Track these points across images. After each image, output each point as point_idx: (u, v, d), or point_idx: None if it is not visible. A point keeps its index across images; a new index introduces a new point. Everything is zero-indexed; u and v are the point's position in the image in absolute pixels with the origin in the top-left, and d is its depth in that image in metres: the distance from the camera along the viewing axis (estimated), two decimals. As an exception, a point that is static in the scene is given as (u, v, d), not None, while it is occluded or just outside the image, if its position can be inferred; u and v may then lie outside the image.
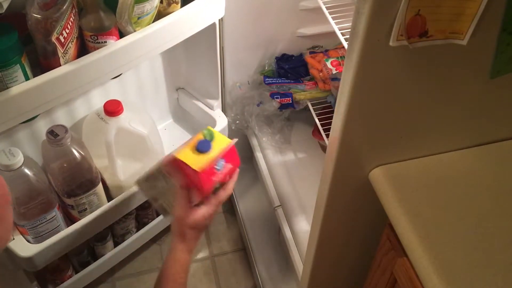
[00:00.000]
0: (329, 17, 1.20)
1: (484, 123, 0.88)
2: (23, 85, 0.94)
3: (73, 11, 0.95)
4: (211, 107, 1.49)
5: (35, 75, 0.97)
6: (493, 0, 0.66)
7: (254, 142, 1.63)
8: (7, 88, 0.93)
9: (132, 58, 1.09)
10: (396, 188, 0.84)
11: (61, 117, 1.22)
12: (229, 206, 1.86)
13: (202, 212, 0.98)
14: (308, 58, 1.49)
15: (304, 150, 1.58)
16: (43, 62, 0.98)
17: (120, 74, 1.15)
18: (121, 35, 1.06)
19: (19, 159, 1.03)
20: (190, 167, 0.94)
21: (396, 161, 0.88)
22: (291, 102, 1.48)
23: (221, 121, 1.48)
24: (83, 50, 1.03)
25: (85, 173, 1.18)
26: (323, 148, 1.53)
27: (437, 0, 0.65)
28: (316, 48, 1.55)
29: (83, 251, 1.44)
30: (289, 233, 1.41)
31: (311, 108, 1.45)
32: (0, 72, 0.90)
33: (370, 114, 0.79)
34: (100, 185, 1.24)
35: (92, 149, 1.20)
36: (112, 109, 1.17)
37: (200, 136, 1.00)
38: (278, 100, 1.48)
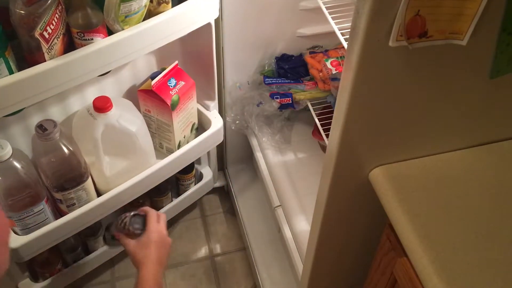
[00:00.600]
0: (329, 17, 1.20)
1: (484, 123, 0.88)
2: (5, 79, 0.95)
3: (59, 7, 0.95)
4: (207, 108, 1.49)
5: (21, 70, 0.98)
6: (493, 0, 0.66)
7: (254, 142, 1.63)
8: (-10, 82, 0.94)
9: (119, 56, 1.09)
10: (396, 188, 0.84)
11: (56, 113, 1.22)
12: (229, 206, 1.86)
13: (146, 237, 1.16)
14: (308, 58, 1.49)
15: (304, 150, 1.58)
16: (28, 57, 0.99)
17: (109, 72, 1.16)
18: (110, 33, 1.07)
19: (7, 151, 1.05)
20: (147, 89, 1.29)
21: (396, 161, 0.88)
22: (291, 102, 1.48)
23: (216, 122, 1.48)
24: (71, 47, 1.04)
25: (73, 168, 1.19)
26: (323, 148, 1.53)
27: (437, 0, 0.65)
28: (316, 48, 1.55)
29: (77, 248, 1.44)
30: (289, 233, 1.41)
31: (311, 108, 1.45)
32: (-18, 66, 0.91)
33: (370, 114, 0.79)
34: (89, 181, 1.25)
35: (81, 144, 1.21)
36: (101, 105, 1.17)
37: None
38: (278, 100, 1.48)
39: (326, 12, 1.21)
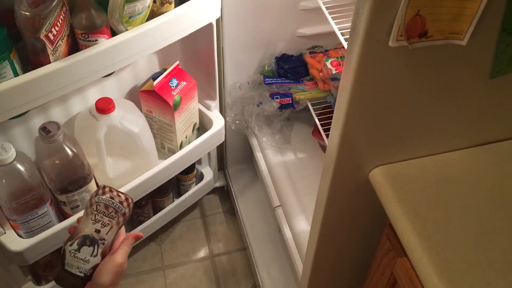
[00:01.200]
0: (329, 17, 1.20)
1: (484, 123, 0.88)
2: (11, 82, 0.95)
3: (64, 9, 0.95)
4: (208, 108, 1.49)
5: (25, 72, 0.97)
6: (493, 0, 0.66)
7: (254, 142, 1.63)
8: (-5, 84, 0.93)
9: (123, 57, 1.09)
10: (396, 188, 0.84)
11: (57, 114, 1.22)
12: (229, 206, 1.86)
13: (114, 260, 0.82)
14: (308, 58, 1.49)
15: (304, 150, 1.58)
16: (33, 59, 0.99)
17: (112, 73, 1.15)
18: (114, 34, 1.07)
19: (11, 154, 1.04)
20: (149, 90, 1.29)
21: (396, 161, 0.88)
22: (291, 102, 1.48)
23: (218, 121, 1.48)
24: (75, 48, 1.04)
25: (77, 170, 1.19)
26: (323, 148, 1.54)
27: (437, 0, 0.65)
28: (316, 48, 1.55)
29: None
30: (289, 233, 1.41)
31: (311, 108, 1.45)
32: (-12, 68, 0.91)
33: (370, 114, 0.79)
34: (93, 182, 1.24)
35: (83, 146, 1.21)
36: (103, 106, 1.17)
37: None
38: (278, 100, 1.48)
39: (326, 12, 1.21)
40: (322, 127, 1.39)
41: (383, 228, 0.91)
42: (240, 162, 1.84)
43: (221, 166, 1.85)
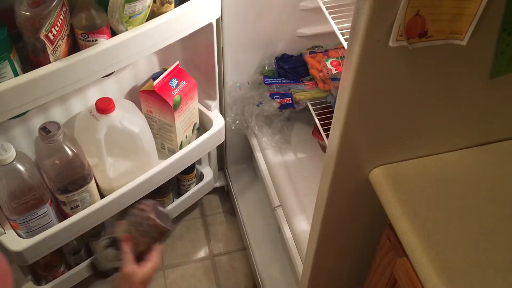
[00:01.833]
0: (329, 17, 1.20)
1: (484, 123, 0.88)
2: (11, 82, 0.95)
3: (64, 9, 0.95)
4: (208, 108, 1.49)
5: (25, 72, 0.97)
6: (493, 0, 0.66)
7: (254, 142, 1.63)
8: (-5, 84, 0.93)
9: (123, 57, 1.09)
10: (396, 188, 0.84)
11: (57, 114, 1.22)
12: (229, 206, 1.86)
13: (150, 266, 0.94)
14: (308, 58, 1.49)
15: (304, 150, 1.58)
16: (33, 59, 0.99)
17: (112, 73, 1.15)
18: (114, 34, 1.07)
19: (11, 154, 1.04)
20: (149, 90, 1.29)
21: (396, 161, 0.88)
22: (291, 102, 1.48)
23: (218, 121, 1.48)
24: (75, 48, 1.04)
25: (77, 170, 1.19)
26: (323, 148, 1.54)
27: (437, 0, 0.65)
28: (316, 48, 1.55)
29: (79, 250, 1.44)
30: (289, 233, 1.41)
31: (311, 108, 1.45)
32: (-12, 68, 0.91)
33: (370, 114, 0.79)
34: (93, 183, 1.24)
35: (83, 146, 1.21)
36: (103, 106, 1.17)
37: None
38: (278, 100, 1.48)
39: (326, 12, 1.21)
40: (322, 127, 1.39)
41: (383, 228, 0.91)
42: (240, 162, 1.84)
43: (221, 166, 1.85)
